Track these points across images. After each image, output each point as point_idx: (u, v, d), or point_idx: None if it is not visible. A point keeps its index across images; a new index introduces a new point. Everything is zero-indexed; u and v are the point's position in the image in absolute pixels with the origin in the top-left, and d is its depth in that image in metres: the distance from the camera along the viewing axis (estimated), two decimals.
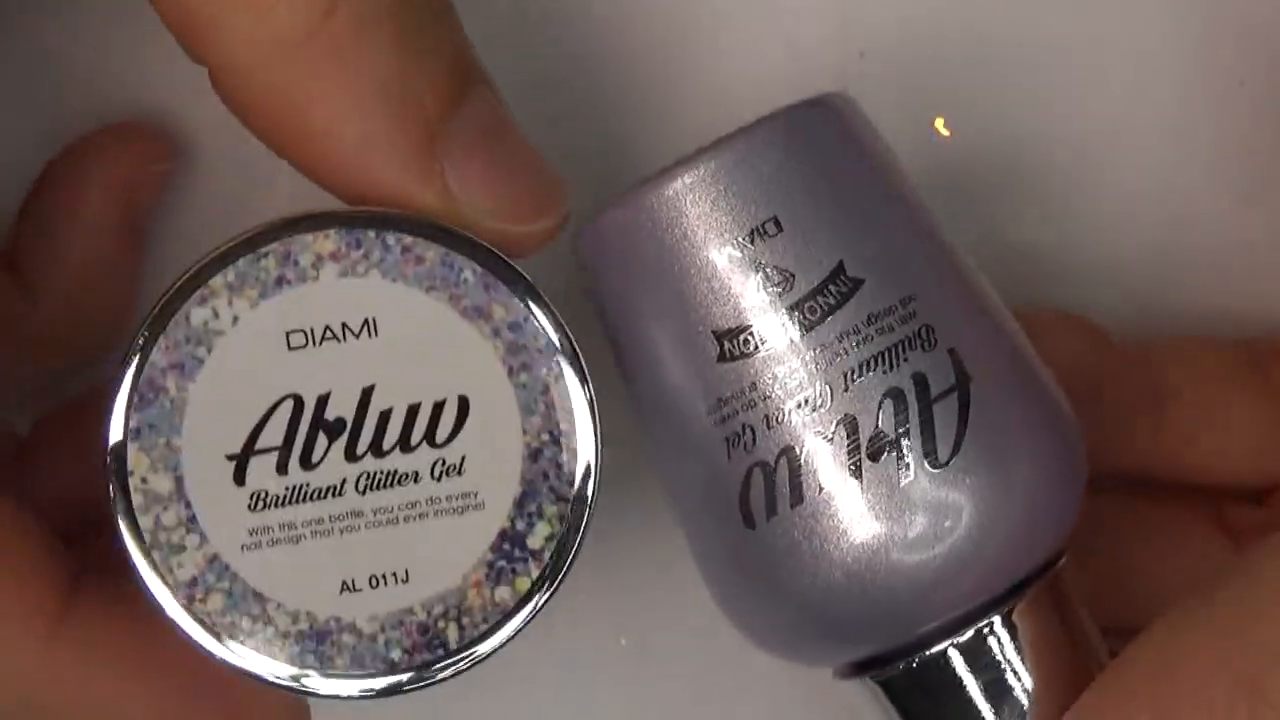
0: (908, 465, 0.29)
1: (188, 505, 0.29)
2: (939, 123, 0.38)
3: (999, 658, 0.31)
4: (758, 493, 0.30)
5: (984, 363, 0.30)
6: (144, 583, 0.29)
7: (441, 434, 0.30)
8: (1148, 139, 0.38)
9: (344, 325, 0.29)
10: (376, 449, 0.29)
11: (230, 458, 0.29)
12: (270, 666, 0.29)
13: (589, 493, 0.30)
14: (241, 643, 0.29)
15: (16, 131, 0.36)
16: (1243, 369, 0.36)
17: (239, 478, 0.29)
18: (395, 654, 0.29)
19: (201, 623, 0.29)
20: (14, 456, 0.34)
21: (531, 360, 0.30)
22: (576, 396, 0.30)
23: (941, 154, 0.37)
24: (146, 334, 0.29)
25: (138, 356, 0.29)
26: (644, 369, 0.31)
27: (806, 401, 0.30)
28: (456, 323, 0.30)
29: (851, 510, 0.30)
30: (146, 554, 0.29)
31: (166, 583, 0.29)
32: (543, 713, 0.38)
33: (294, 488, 0.29)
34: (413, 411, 0.29)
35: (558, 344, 0.30)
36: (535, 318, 0.30)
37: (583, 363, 0.30)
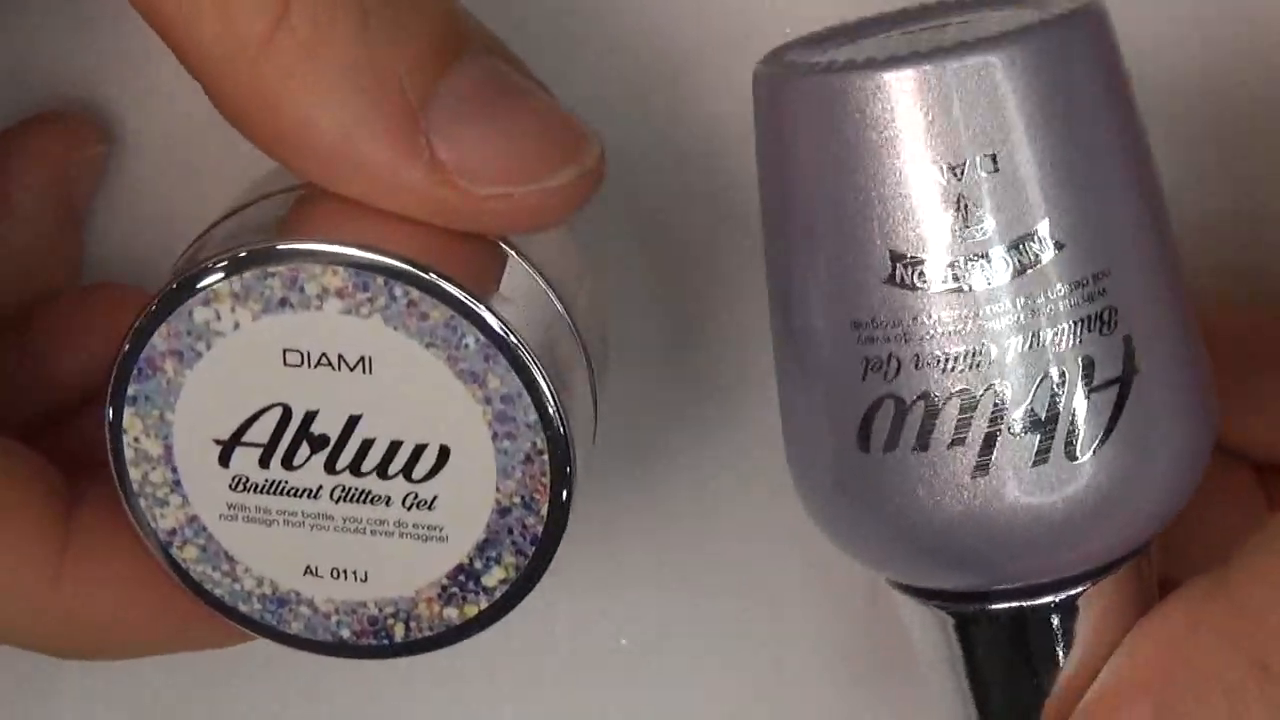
0: (1045, 452, 0.28)
1: (174, 470, 0.30)
2: None
3: (1069, 629, 0.30)
4: (882, 424, 0.29)
5: (1154, 353, 0.29)
6: (135, 515, 0.31)
7: (419, 472, 0.30)
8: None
9: (340, 356, 0.29)
10: (355, 469, 0.30)
11: (218, 442, 0.30)
12: (233, 611, 0.32)
13: (549, 553, 0.30)
14: (210, 590, 0.31)
15: None
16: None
17: (224, 460, 0.30)
18: (345, 633, 0.31)
19: (176, 565, 0.31)
20: None
21: (517, 431, 0.29)
22: (555, 472, 0.30)
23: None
24: (153, 310, 0.29)
25: (140, 333, 0.30)
26: (802, 256, 0.29)
27: (962, 357, 0.28)
28: (451, 382, 0.29)
29: (973, 476, 0.28)
30: (133, 500, 0.31)
31: (148, 528, 0.31)
32: (543, 713, 0.39)
33: (273, 481, 0.30)
34: (394, 447, 0.30)
35: (546, 421, 0.29)
36: (530, 395, 0.29)
37: (571, 442, 0.30)
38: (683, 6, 0.35)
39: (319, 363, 0.29)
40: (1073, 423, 0.28)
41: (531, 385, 0.29)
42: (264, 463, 0.30)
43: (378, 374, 0.29)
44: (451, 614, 0.31)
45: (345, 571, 0.31)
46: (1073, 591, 0.30)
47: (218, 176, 0.32)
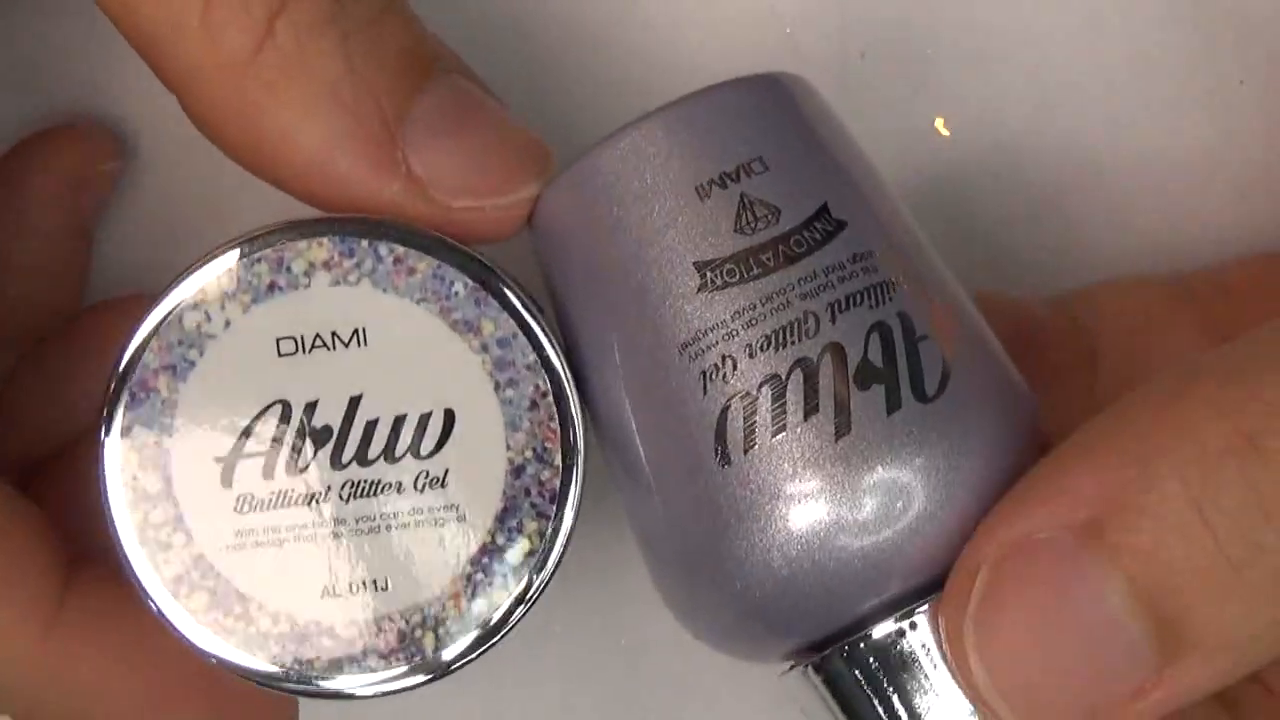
0: (896, 397, 0.29)
1: (175, 504, 0.30)
2: (939, 123, 0.37)
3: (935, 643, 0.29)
4: (735, 425, 0.29)
5: (952, 333, 0.30)
6: (133, 577, 0.30)
7: (426, 446, 0.30)
8: (1147, 139, 0.37)
9: (334, 334, 0.30)
10: (361, 458, 0.30)
11: (218, 460, 0.30)
12: (251, 663, 0.30)
13: (571, 511, 0.30)
14: (224, 640, 0.30)
15: None
16: (1175, 305, 0.34)
17: (226, 480, 0.30)
18: (372, 660, 0.30)
19: (186, 619, 0.30)
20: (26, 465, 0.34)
21: (518, 376, 0.30)
22: (562, 414, 0.30)
23: (941, 154, 0.36)
24: (142, 335, 0.30)
25: (131, 357, 0.30)
26: (606, 317, 0.30)
27: (793, 329, 0.29)
28: (446, 335, 0.30)
29: (840, 436, 0.28)
30: (135, 550, 0.30)
31: (153, 579, 0.30)
32: (543, 713, 0.38)
33: (279, 493, 0.30)
34: (399, 422, 0.30)
35: (545, 361, 0.30)
36: (524, 335, 0.30)
37: (569, 380, 0.30)
38: (683, 7, 0.37)
39: (314, 345, 0.30)
40: (912, 367, 0.29)
41: (525, 326, 0.30)
42: (268, 472, 0.30)
43: (373, 345, 0.30)
44: (481, 607, 0.30)
45: (365, 583, 0.30)
46: (921, 604, 0.29)
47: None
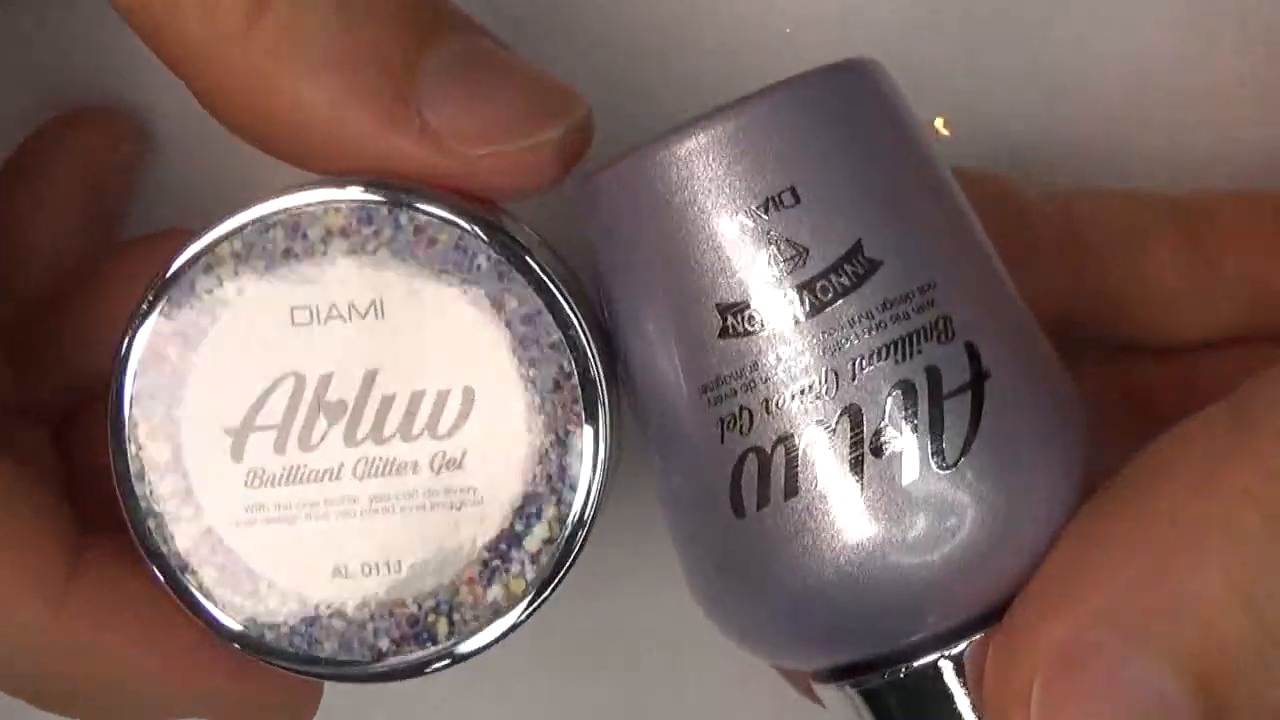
0: (913, 463, 0.27)
1: (184, 476, 0.29)
2: (939, 123, 0.36)
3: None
4: (749, 480, 0.28)
5: (1004, 359, 0.28)
6: (140, 548, 0.29)
7: (444, 426, 0.28)
8: (1148, 139, 0.37)
9: (350, 305, 0.28)
10: (377, 435, 0.28)
11: (229, 432, 0.28)
12: (258, 642, 0.29)
13: (592, 500, 0.28)
14: (232, 617, 0.29)
15: None
16: (1165, 220, 0.34)
17: (237, 453, 0.28)
18: (383, 643, 0.29)
19: (194, 593, 0.29)
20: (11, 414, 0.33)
21: (542, 356, 0.28)
22: (588, 397, 0.28)
23: (941, 154, 0.35)
24: (151, 298, 0.29)
25: (142, 321, 0.29)
26: (638, 337, 0.29)
27: (810, 388, 0.28)
28: (467, 310, 0.28)
29: (849, 506, 0.27)
30: (142, 522, 0.29)
31: (161, 551, 0.29)
32: (542, 713, 0.38)
33: (291, 468, 0.28)
34: (416, 399, 0.28)
35: (571, 341, 0.28)
36: (550, 312, 0.28)
37: (597, 361, 0.28)
38: (683, 7, 0.36)
39: (329, 316, 0.28)
40: (934, 431, 0.27)
41: (551, 302, 0.28)
42: (280, 447, 0.28)
43: (390, 318, 0.28)
44: (497, 594, 0.28)
45: (377, 565, 0.29)
46: (976, 636, 0.28)
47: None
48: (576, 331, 0.28)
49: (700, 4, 0.36)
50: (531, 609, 0.29)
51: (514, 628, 0.29)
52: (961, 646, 0.28)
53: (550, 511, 0.28)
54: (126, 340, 0.29)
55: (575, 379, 0.28)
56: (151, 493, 0.29)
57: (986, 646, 0.28)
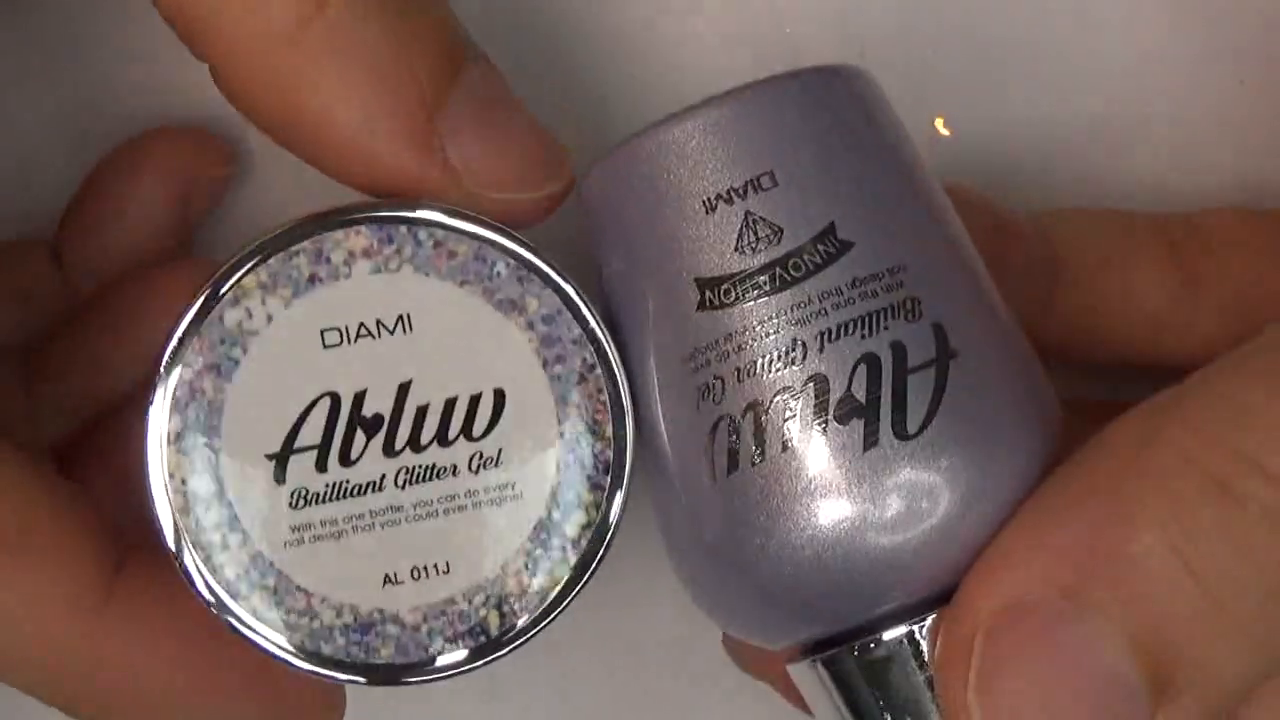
0: (874, 433, 0.29)
1: (229, 506, 0.29)
2: (939, 123, 0.37)
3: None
4: (720, 445, 0.30)
5: (973, 342, 0.30)
6: (188, 580, 0.29)
7: (478, 427, 0.30)
8: (1147, 139, 0.37)
9: (378, 322, 0.29)
10: (414, 444, 0.30)
11: (270, 457, 0.29)
12: (317, 658, 0.30)
13: (624, 481, 0.30)
14: (287, 636, 0.30)
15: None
16: (1146, 239, 0.35)
17: (279, 476, 0.29)
18: (438, 643, 0.30)
19: (246, 619, 0.29)
20: (62, 444, 0.34)
21: (565, 352, 0.30)
22: (611, 385, 0.30)
23: (941, 154, 0.36)
24: (182, 336, 0.29)
25: (173, 359, 0.29)
26: (629, 315, 0.31)
27: (779, 358, 0.29)
28: (490, 316, 0.30)
29: (813, 471, 0.29)
30: (189, 554, 0.29)
31: (210, 581, 0.29)
32: (542, 713, 0.38)
33: (334, 484, 0.29)
34: (449, 405, 0.30)
35: (591, 335, 0.30)
36: (568, 310, 0.30)
37: (614, 351, 0.30)
38: (684, 6, 0.37)
39: (359, 335, 0.29)
40: (896, 403, 0.29)
41: (568, 301, 0.30)
42: (321, 465, 0.29)
43: (419, 330, 0.30)
44: (542, 582, 0.30)
45: (426, 568, 0.30)
46: (928, 618, 0.30)
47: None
48: (594, 326, 0.30)
49: (700, 4, 0.37)
50: (577, 591, 0.30)
51: (561, 610, 0.30)
52: (927, 620, 0.30)
53: (587, 497, 0.30)
54: (158, 379, 0.29)
55: (598, 369, 0.30)
56: (197, 524, 0.29)
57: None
